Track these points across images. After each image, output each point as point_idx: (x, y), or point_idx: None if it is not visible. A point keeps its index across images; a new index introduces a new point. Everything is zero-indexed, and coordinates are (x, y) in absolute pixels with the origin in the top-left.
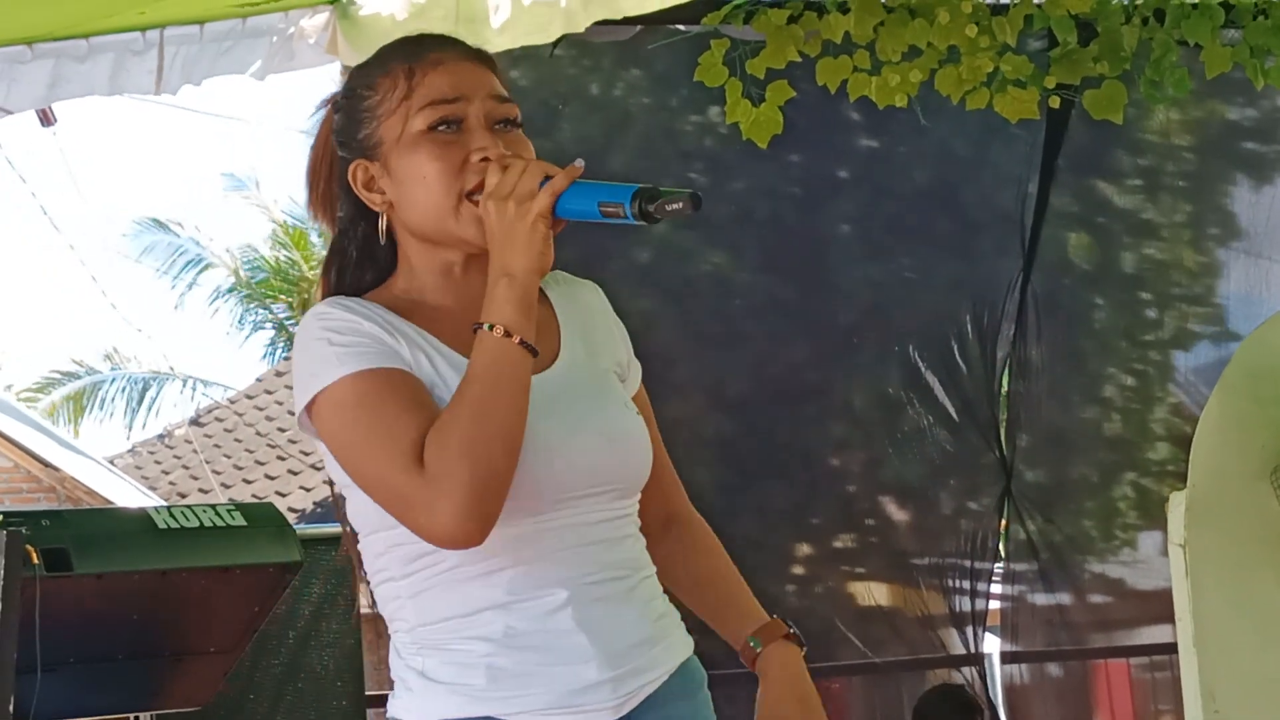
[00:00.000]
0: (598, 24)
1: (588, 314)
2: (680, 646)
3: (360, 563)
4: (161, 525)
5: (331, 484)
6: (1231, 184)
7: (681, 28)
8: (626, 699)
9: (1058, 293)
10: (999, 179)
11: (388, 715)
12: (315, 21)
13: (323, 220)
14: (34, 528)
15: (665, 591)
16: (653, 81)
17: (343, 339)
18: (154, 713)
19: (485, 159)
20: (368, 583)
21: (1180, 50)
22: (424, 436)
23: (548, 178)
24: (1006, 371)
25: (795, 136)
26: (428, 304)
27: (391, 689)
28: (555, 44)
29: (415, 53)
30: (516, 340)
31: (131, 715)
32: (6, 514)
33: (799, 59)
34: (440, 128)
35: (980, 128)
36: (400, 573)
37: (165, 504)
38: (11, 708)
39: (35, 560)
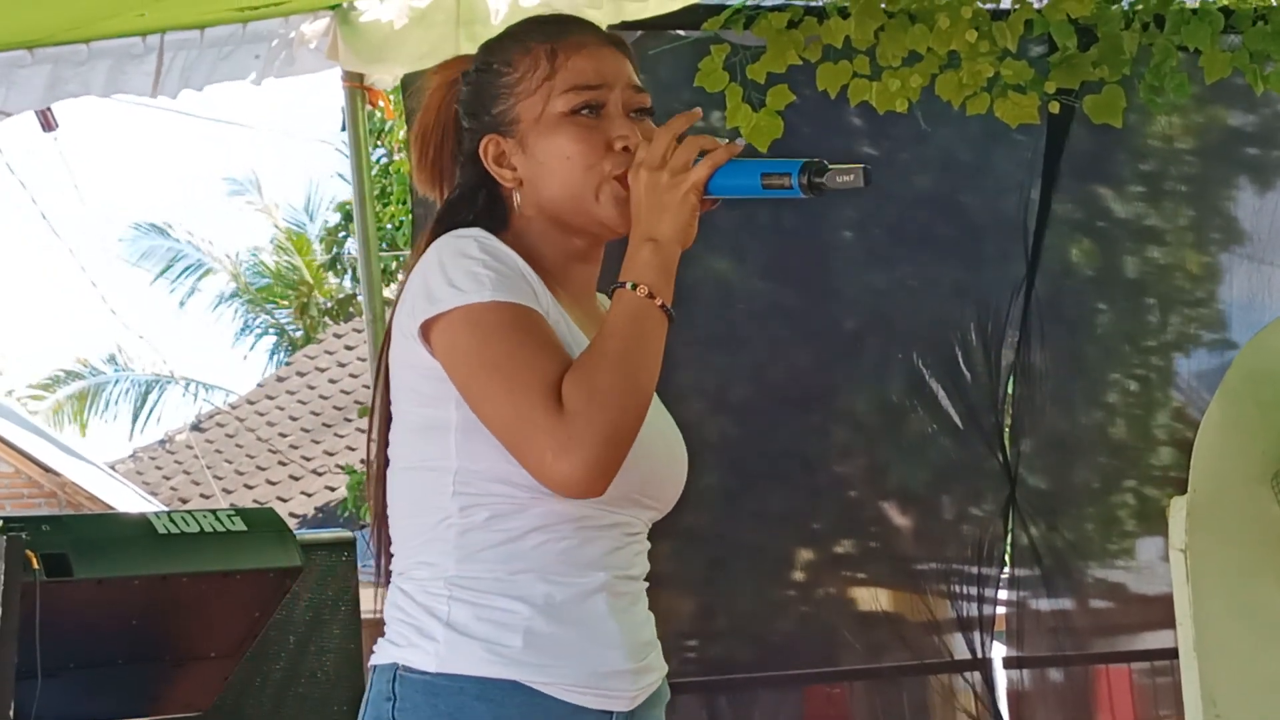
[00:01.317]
0: None
1: None
2: (662, 657)
3: (380, 543)
4: (162, 530)
5: (380, 460)
6: (1234, 189)
7: (682, 33)
8: (640, 692)
9: (1060, 298)
10: (1001, 185)
11: (385, 662)
12: (316, 27)
13: (428, 190)
14: (34, 533)
15: None
16: (654, 86)
17: (495, 264)
18: (154, 718)
19: (626, 148)
20: (383, 558)
21: (1180, 55)
22: (562, 377)
23: (703, 153)
24: (1010, 377)
25: (796, 142)
26: (540, 269)
27: (383, 637)
28: None
29: (557, 33)
30: (659, 303)
31: None
32: (6, 519)
33: (799, 64)
34: (583, 112)
35: (982, 133)
36: (456, 511)
37: (166, 509)
38: (11, 713)
39: (35, 565)
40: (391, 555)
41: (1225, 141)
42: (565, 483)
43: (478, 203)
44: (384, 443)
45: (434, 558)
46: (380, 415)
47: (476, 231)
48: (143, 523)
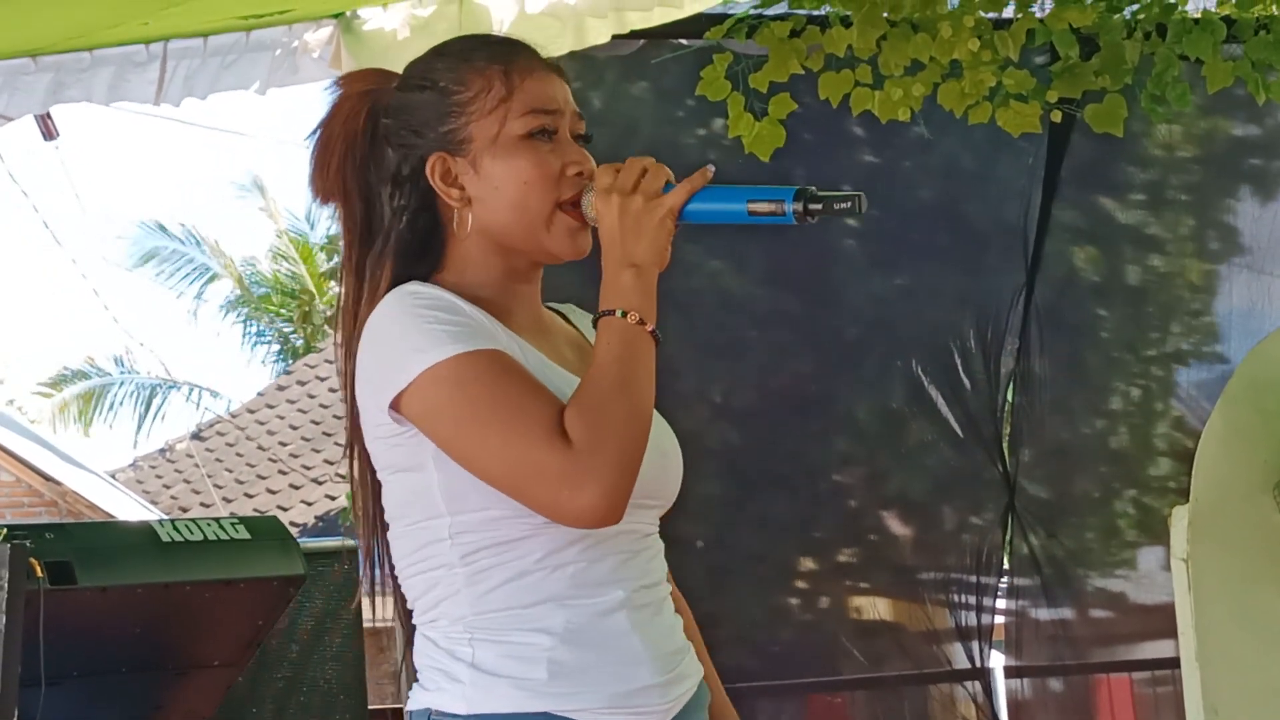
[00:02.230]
0: None
1: None
2: (696, 660)
3: (370, 556)
4: (165, 538)
5: (363, 475)
6: (1235, 199)
7: (685, 42)
8: (673, 704)
9: (1061, 307)
10: (1003, 193)
11: (418, 708)
12: (319, 35)
13: (325, 199)
14: (38, 541)
15: None
16: (657, 95)
17: (449, 317)
18: None
19: (580, 173)
20: (388, 580)
21: (1182, 65)
22: (558, 415)
23: (669, 183)
24: (1010, 386)
25: (798, 151)
26: (482, 300)
27: (416, 683)
28: (559, 58)
29: (506, 55)
30: (649, 329)
31: None
32: (10, 527)
33: (802, 73)
34: (539, 135)
35: (983, 142)
36: (459, 559)
37: (169, 517)
38: None
39: (39, 573)
40: (376, 565)
41: (1227, 151)
42: (584, 516)
43: (419, 227)
44: (369, 499)
45: (449, 606)
46: (362, 477)
47: (414, 286)
48: (146, 531)
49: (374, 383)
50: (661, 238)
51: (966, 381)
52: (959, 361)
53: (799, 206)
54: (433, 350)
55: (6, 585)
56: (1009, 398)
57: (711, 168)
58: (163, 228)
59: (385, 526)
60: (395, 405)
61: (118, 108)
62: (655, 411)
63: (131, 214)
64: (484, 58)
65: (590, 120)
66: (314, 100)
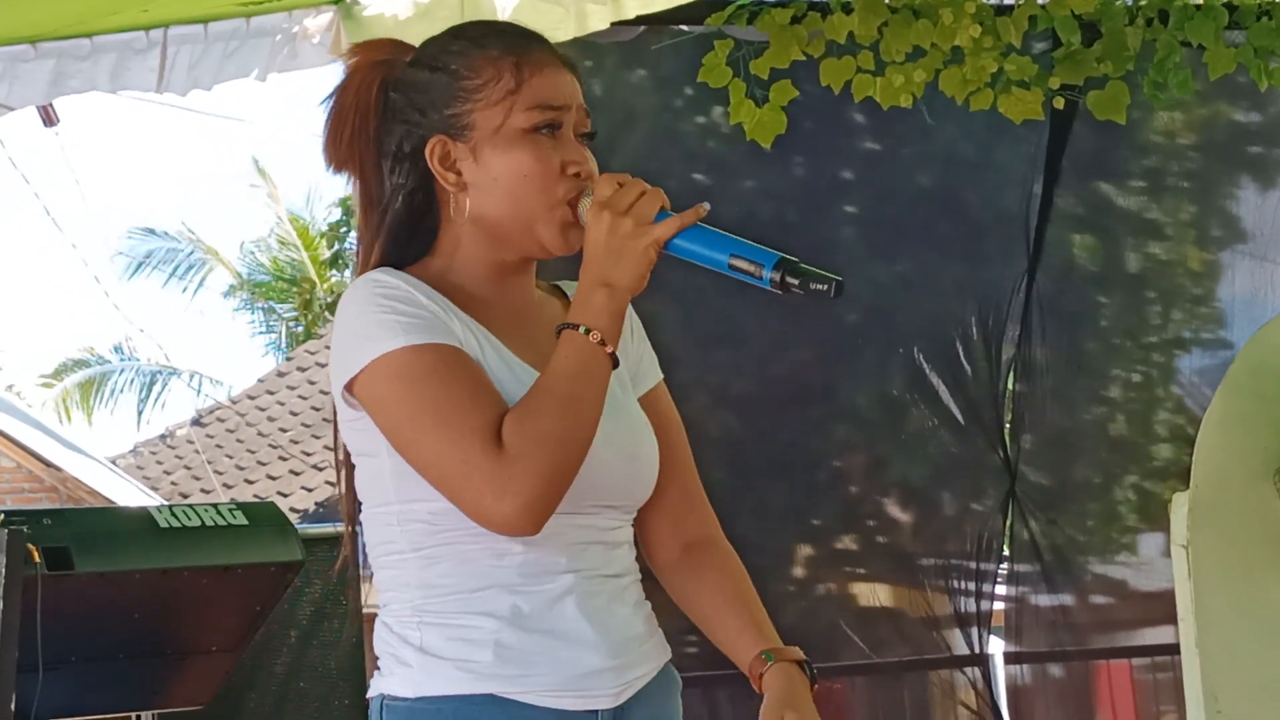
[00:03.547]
0: None
1: None
2: (663, 647)
3: (352, 529)
4: (163, 524)
5: (343, 456)
6: (1237, 187)
7: (685, 28)
8: (624, 688)
9: (1062, 294)
10: (1004, 180)
11: (374, 694)
12: (319, 21)
13: (338, 168)
14: (35, 526)
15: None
16: (657, 82)
17: (405, 309)
18: (155, 712)
19: (578, 173)
20: (366, 567)
21: (1184, 51)
22: (498, 418)
23: (664, 211)
24: (1011, 372)
25: (800, 138)
26: (467, 291)
27: (376, 670)
28: (559, 44)
29: (521, 48)
30: (609, 350)
31: (133, 715)
32: (8, 513)
33: (803, 59)
34: (543, 130)
35: (985, 129)
36: (410, 545)
37: (167, 503)
38: (13, 706)
39: (37, 559)
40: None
41: (1228, 139)
42: (503, 524)
43: (414, 205)
44: (350, 479)
45: (402, 591)
46: (346, 459)
47: (379, 274)
48: (144, 516)
49: (334, 367)
50: (642, 264)
51: (968, 368)
52: (960, 349)
53: (777, 276)
54: (384, 340)
55: (4, 571)
56: (1010, 385)
57: (707, 205)
58: (163, 215)
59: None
60: (350, 390)
61: (119, 95)
62: (631, 414)
63: (132, 201)
64: (498, 46)
65: (590, 107)
66: (314, 86)
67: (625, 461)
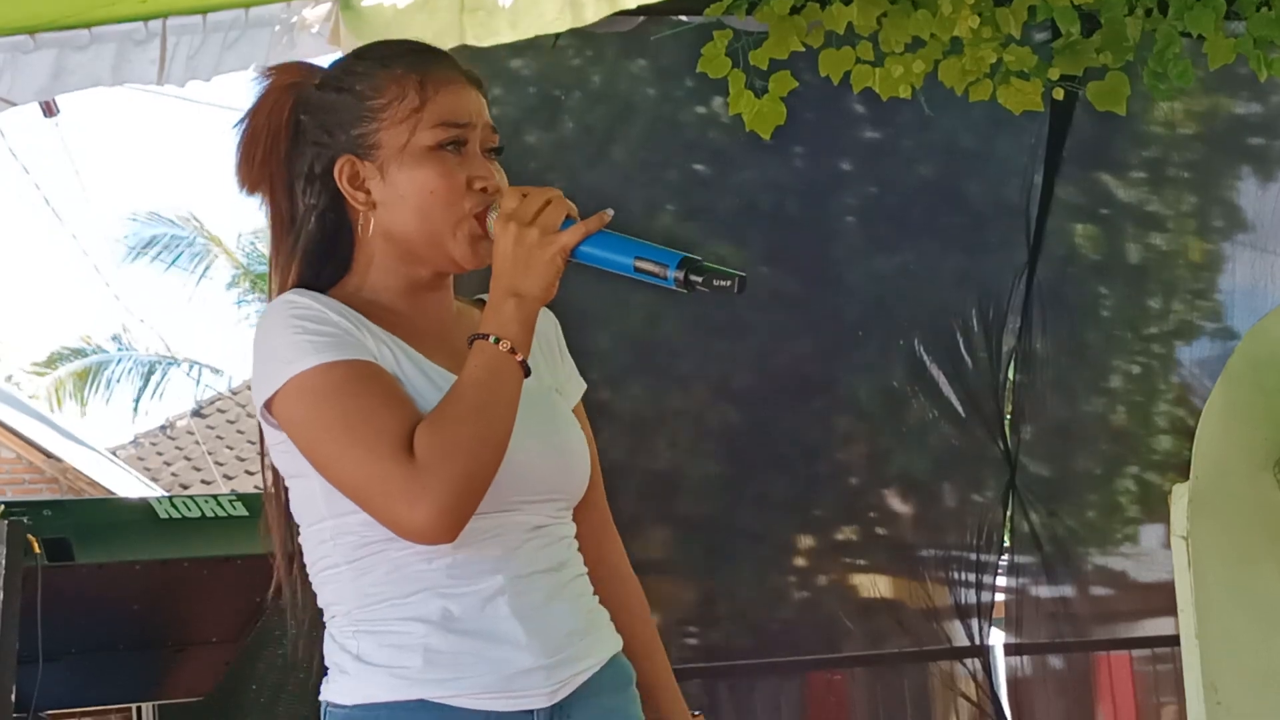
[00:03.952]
0: None
1: (540, 338)
2: (610, 640)
3: (285, 555)
4: (163, 515)
5: (276, 472)
6: (1237, 178)
7: (684, 19)
8: (560, 686)
9: (1062, 285)
10: (1004, 171)
11: (321, 699)
12: (318, 11)
13: (251, 190)
14: (35, 517)
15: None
16: (656, 73)
17: (318, 328)
18: (155, 703)
19: (484, 188)
20: (298, 576)
21: (1183, 41)
22: (411, 429)
23: (570, 219)
24: (1012, 364)
25: (799, 128)
26: (383, 305)
27: (325, 678)
28: (558, 35)
29: (424, 66)
30: (519, 358)
31: (133, 706)
32: (8, 504)
33: (802, 49)
34: (448, 147)
35: (985, 120)
36: (344, 559)
37: (167, 494)
38: (13, 698)
39: (37, 550)
40: (301, 597)
41: (1229, 129)
42: (419, 532)
43: (326, 226)
44: (279, 497)
45: (340, 602)
46: (275, 479)
47: (292, 295)
48: (144, 507)
49: (256, 392)
50: (550, 273)
51: (968, 359)
52: (960, 340)
53: (680, 274)
54: (297, 361)
55: (4, 562)
56: (1010, 376)
57: (610, 212)
58: (162, 208)
59: (297, 530)
60: (269, 411)
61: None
62: (557, 412)
63: (132, 191)
64: (402, 66)
65: (589, 97)
66: None
67: (553, 455)
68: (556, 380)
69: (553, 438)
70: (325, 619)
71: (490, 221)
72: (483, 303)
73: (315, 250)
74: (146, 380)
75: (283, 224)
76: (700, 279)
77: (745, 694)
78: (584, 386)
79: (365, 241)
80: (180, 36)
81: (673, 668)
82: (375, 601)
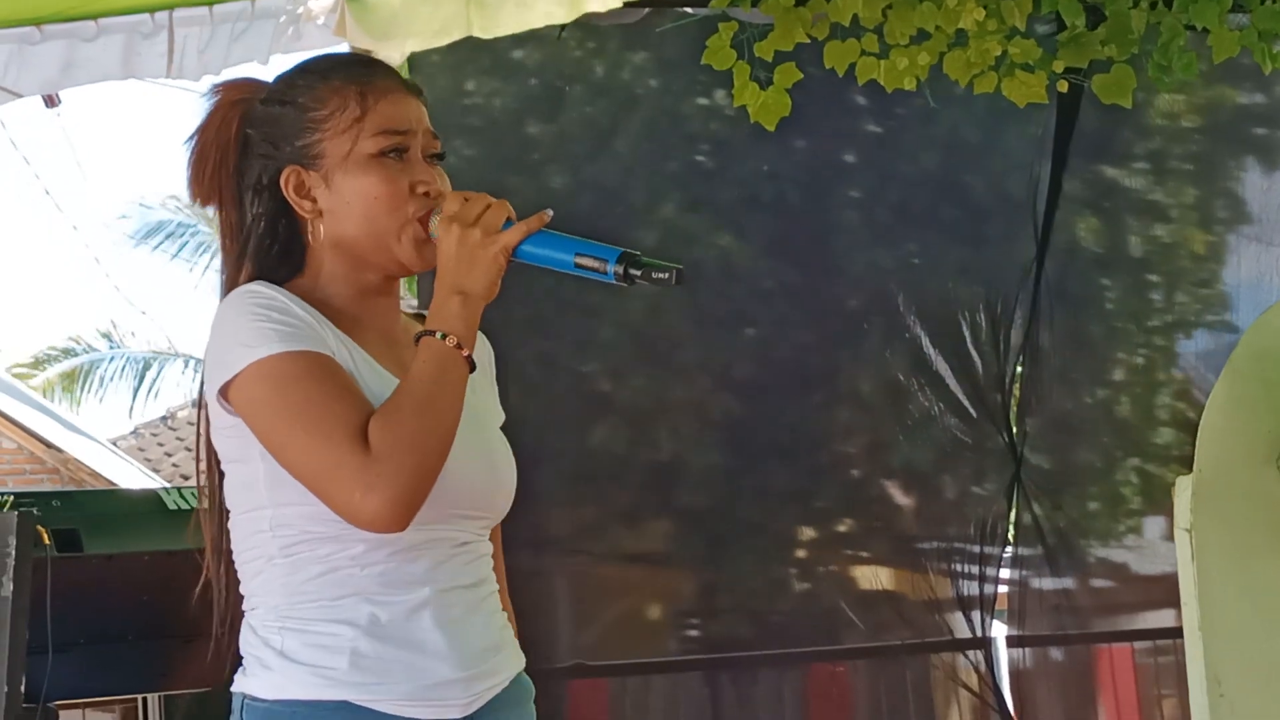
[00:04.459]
0: None
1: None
2: (516, 658)
3: (215, 548)
4: (171, 506)
5: (210, 462)
6: (1241, 169)
7: (690, 10)
8: (474, 699)
9: (1066, 277)
10: (1007, 164)
11: (236, 690)
12: (324, 2)
13: (202, 202)
14: (44, 508)
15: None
16: (658, 64)
17: (280, 318)
18: (164, 693)
19: (427, 192)
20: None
21: (1187, 34)
22: (365, 420)
23: (510, 220)
24: (1020, 357)
25: (801, 120)
26: (334, 308)
27: (240, 668)
28: (564, 26)
29: (364, 77)
30: (465, 354)
31: (138, 697)
32: (17, 495)
33: (807, 41)
34: (390, 154)
35: (989, 112)
36: (279, 551)
37: (168, 485)
38: (23, 688)
39: (46, 541)
40: (228, 592)
41: (1232, 121)
42: (372, 520)
43: (278, 233)
44: (215, 489)
45: (267, 595)
46: (209, 469)
47: (256, 286)
48: (153, 498)
49: (209, 373)
50: (493, 272)
51: (974, 352)
52: (967, 333)
53: (620, 269)
54: (259, 347)
55: (14, 552)
56: (1017, 369)
57: (550, 212)
58: (162, 199)
59: (227, 514)
60: (224, 395)
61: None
62: (492, 430)
63: (132, 182)
64: (341, 77)
65: (591, 88)
66: None
67: (485, 471)
68: (488, 405)
69: (490, 456)
70: (245, 608)
71: (433, 225)
72: (423, 317)
73: (267, 256)
74: (141, 378)
75: (232, 234)
76: (639, 272)
77: (746, 686)
78: (503, 418)
79: (314, 248)
80: (189, 29)
81: (673, 659)
82: (304, 600)
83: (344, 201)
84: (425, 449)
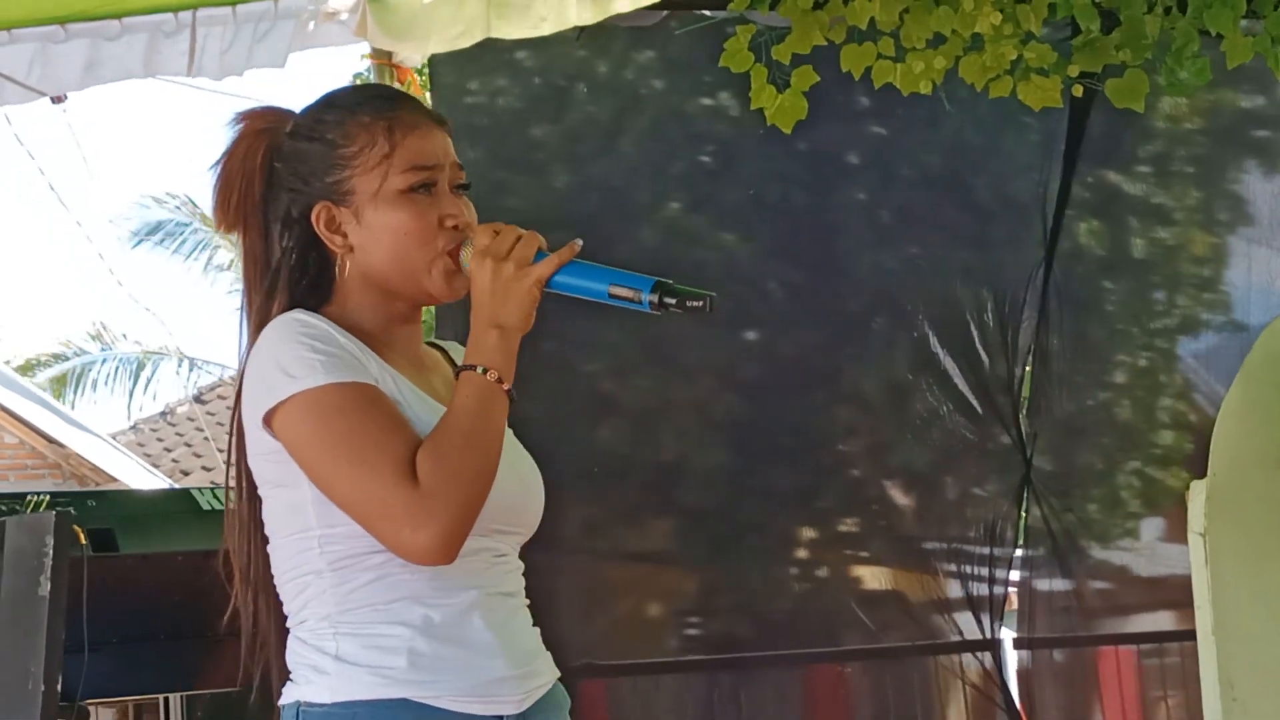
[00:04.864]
0: None
1: None
2: (553, 666)
3: (243, 563)
4: (205, 506)
5: (242, 487)
6: (1243, 171)
7: (708, 13)
8: (526, 696)
9: (1069, 279)
10: (1012, 167)
11: (288, 701)
12: (345, 1)
13: (226, 230)
14: (81, 508)
15: None
16: (663, 64)
17: (325, 348)
18: (195, 692)
19: (455, 225)
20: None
21: (1200, 39)
22: (412, 453)
23: (541, 251)
24: (1029, 359)
25: (807, 121)
26: (365, 332)
27: (288, 681)
28: (582, 29)
29: (391, 112)
30: (505, 388)
31: (159, 697)
32: (53, 494)
33: (825, 44)
34: (419, 190)
35: (996, 115)
36: (327, 565)
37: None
38: (59, 686)
39: (82, 540)
40: (257, 621)
41: (1234, 123)
42: (422, 555)
43: (309, 266)
44: (245, 517)
45: (318, 607)
46: (241, 495)
47: (298, 314)
48: (186, 498)
49: (252, 400)
50: (527, 304)
51: (982, 354)
52: (976, 334)
53: (655, 298)
54: (305, 378)
55: (52, 552)
56: (1022, 370)
57: (579, 242)
58: (167, 196)
59: (265, 540)
60: (268, 423)
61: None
62: (521, 450)
63: (137, 179)
64: (369, 113)
65: (597, 89)
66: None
67: (522, 489)
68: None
69: (528, 476)
70: (292, 624)
71: (464, 256)
72: (438, 345)
73: (298, 286)
74: (136, 378)
75: (257, 264)
76: (674, 300)
77: (748, 686)
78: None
79: (345, 282)
80: (211, 28)
81: (675, 659)
82: (357, 606)
83: (374, 237)
84: (471, 483)
